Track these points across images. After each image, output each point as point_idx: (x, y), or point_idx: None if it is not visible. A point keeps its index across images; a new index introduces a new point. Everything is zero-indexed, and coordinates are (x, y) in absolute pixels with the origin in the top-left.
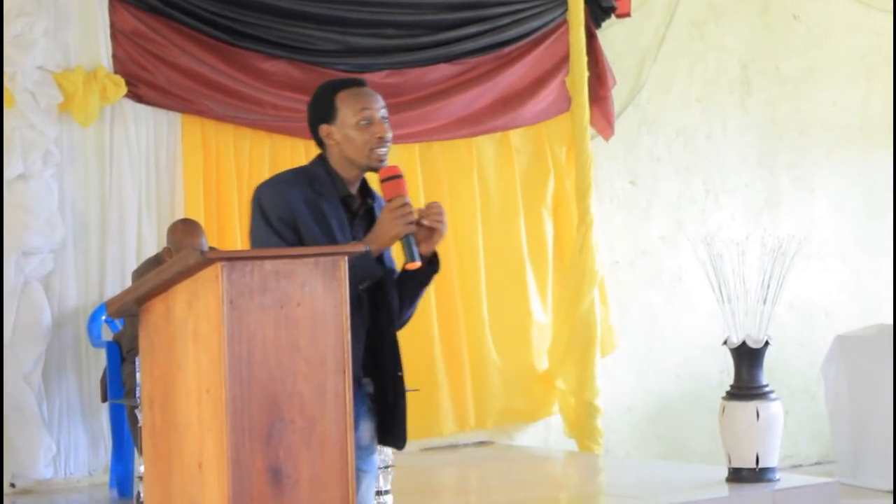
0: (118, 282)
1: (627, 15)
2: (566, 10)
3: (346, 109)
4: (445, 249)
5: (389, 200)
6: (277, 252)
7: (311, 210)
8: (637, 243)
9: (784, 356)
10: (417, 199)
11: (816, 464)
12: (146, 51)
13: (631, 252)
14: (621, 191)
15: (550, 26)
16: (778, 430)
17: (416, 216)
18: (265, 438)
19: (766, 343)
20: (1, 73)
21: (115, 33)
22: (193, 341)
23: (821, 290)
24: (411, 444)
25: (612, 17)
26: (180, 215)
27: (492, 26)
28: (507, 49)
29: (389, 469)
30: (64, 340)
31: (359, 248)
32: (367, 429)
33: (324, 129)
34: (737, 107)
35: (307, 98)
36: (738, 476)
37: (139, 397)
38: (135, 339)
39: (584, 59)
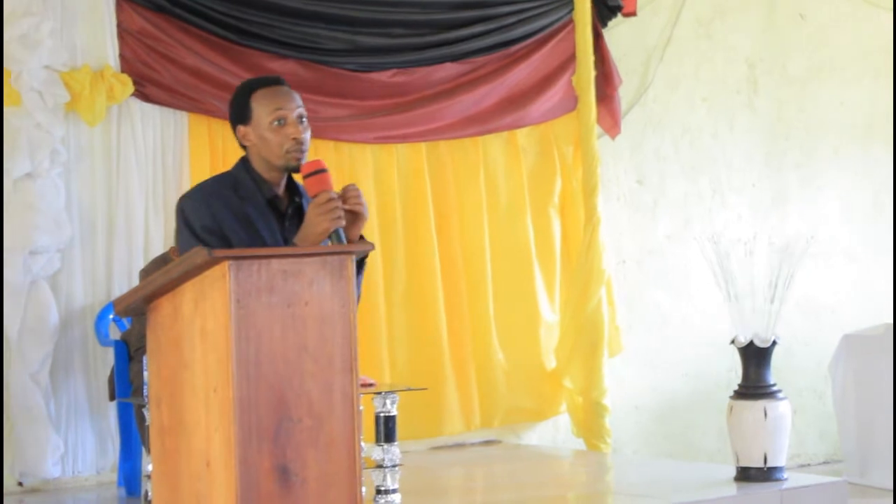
0: (125, 281)
1: (633, 14)
2: (572, 9)
3: (260, 110)
4: (452, 248)
5: (314, 196)
6: (285, 251)
7: (237, 216)
8: (644, 242)
9: (791, 355)
10: (425, 198)
11: (824, 463)
12: (153, 50)
13: (638, 251)
14: (628, 190)
15: (557, 25)
16: (786, 429)
17: (342, 209)
18: (273, 437)
19: (774, 342)
20: (1, 71)
21: (122, 32)
22: (201, 340)
23: (828, 289)
24: (419, 443)
25: (619, 16)
26: None
27: (498, 25)
28: (513, 48)
29: (397, 468)
30: (71, 339)
31: (367, 246)
32: None
33: (240, 130)
34: (743, 106)
35: (315, 97)
36: (746, 475)
37: (147, 396)
38: (142, 337)
39: (591, 58)
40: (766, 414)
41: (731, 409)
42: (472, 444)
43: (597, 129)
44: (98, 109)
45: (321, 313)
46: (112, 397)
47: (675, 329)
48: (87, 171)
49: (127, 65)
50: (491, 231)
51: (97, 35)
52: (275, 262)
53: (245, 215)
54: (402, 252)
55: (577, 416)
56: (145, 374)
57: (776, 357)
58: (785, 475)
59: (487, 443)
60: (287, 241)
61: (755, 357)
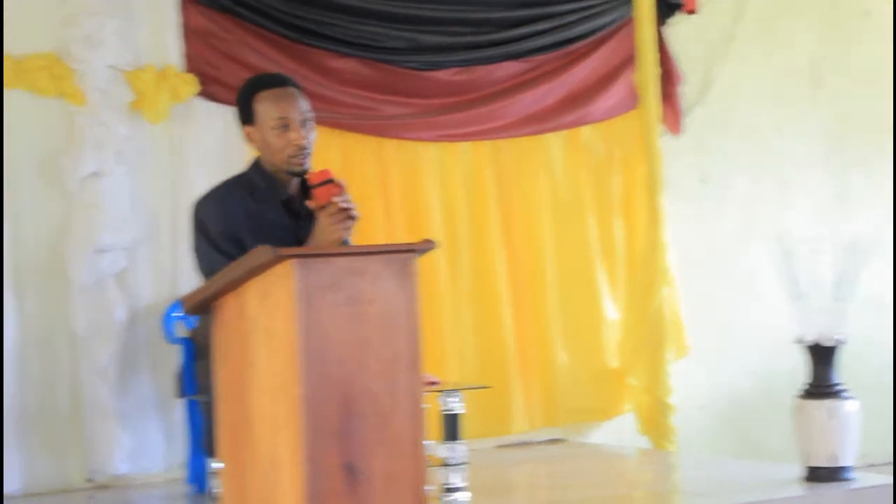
0: (191, 278)
1: (694, 11)
2: (633, 6)
3: (264, 112)
4: (515, 246)
5: (323, 207)
6: (349, 249)
7: (254, 220)
8: (708, 241)
9: (857, 354)
10: (488, 196)
11: (888, 463)
12: (216, 49)
13: (702, 250)
14: (691, 189)
15: (618, 23)
16: (854, 428)
17: (353, 217)
18: (339, 435)
19: (840, 341)
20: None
21: (186, 32)
22: (266, 338)
23: (893, 287)
24: (484, 441)
25: (680, 13)
26: None
27: (559, 23)
28: (573, 46)
29: (463, 466)
30: (138, 337)
31: (431, 245)
32: None
33: (246, 130)
34: (807, 103)
35: (377, 96)
36: (813, 475)
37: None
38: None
39: (652, 55)
40: (833, 413)
41: (797, 408)
42: (538, 443)
43: (659, 128)
44: (162, 109)
45: (385, 311)
46: (179, 395)
47: (740, 328)
48: (151, 169)
49: (190, 64)
50: (554, 229)
51: (161, 34)
52: (339, 261)
53: (261, 218)
54: (466, 250)
55: (642, 414)
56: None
57: (842, 356)
58: (853, 475)
59: (552, 441)
60: (303, 243)
61: (821, 356)
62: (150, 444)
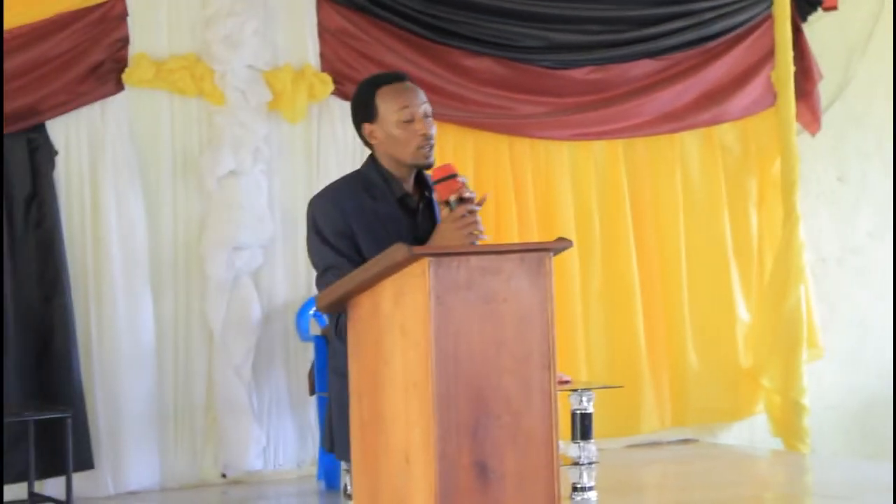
0: None
1: (834, 8)
2: (771, 4)
3: (386, 107)
4: (648, 246)
5: (445, 202)
6: (483, 248)
7: (369, 217)
8: (845, 240)
9: None
10: (621, 195)
11: None
12: (352, 49)
13: (838, 249)
14: (828, 187)
15: (755, 21)
16: None
17: (481, 226)
18: (471, 433)
19: None
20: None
21: (322, 32)
22: (401, 336)
23: None
24: (614, 440)
25: (819, 10)
26: None
27: (696, 21)
28: (711, 44)
29: (593, 465)
30: (273, 334)
31: (566, 244)
32: None
33: (366, 128)
34: None
35: (511, 94)
36: None
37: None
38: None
39: (790, 53)
40: None
41: None
42: (668, 443)
43: (796, 126)
44: (299, 108)
45: (519, 310)
46: (312, 392)
47: (875, 328)
48: (288, 168)
49: (327, 63)
50: (687, 228)
51: (298, 34)
52: (473, 259)
53: (377, 216)
54: (599, 249)
55: (774, 415)
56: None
57: None
58: None
59: (683, 441)
60: (420, 240)
61: None
62: (283, 441)
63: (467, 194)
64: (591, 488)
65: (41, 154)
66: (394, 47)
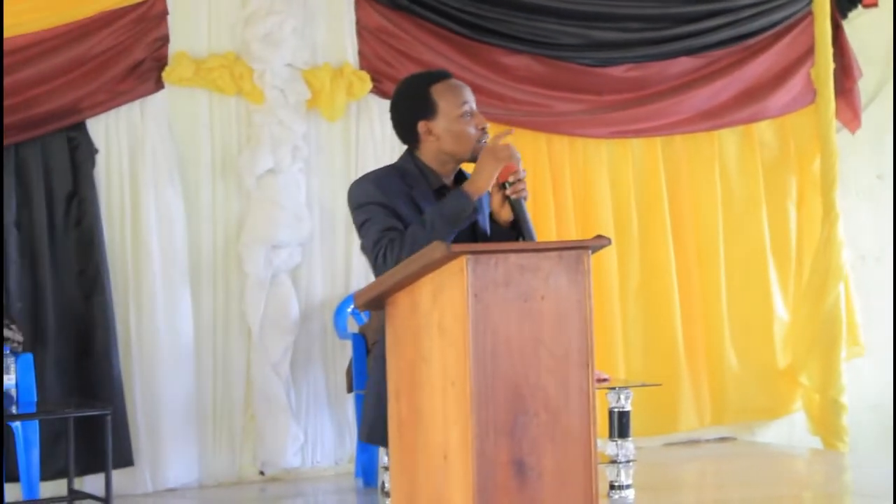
0: (363, 275)
1: (875, 5)
2: (811, 1)
3: (446, 103)
4: (686, 243)
5: (501, 185)
6: (521, 246)
7: (406, 201)
8: (884, 238)
9: None
10: (660, 193)
11: None
12: (390, 47)
13: (878, 247)
14: (868, 185)
15: (795, 18)
16: None
17: (519, 170)
18: (509, 431)
19: None
20: None
21: (361, 30)
22: (439, 334)
23: None
24: (652, 439)
25: (859, 7)
26: None
27: (735, 18)
28: (750, 41)
29: (631, 463)
30: (311, 332)
31: (604, 241)
32: None
33: (422, 125)
34: None
35: (549, 92)
36: None
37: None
38: (380, 331)
39: (830, 50)
40: None
41: None
42: (706, 441)
43: (836, 123)
44: (338, 106)
45: (557, 307)
46: (350, 389)
47: None
48: (326, 166)
49: (365, 62)
50: (725, 226)
51: (337, 33)
52: (512, 257)
53: (414, 201)
54: (637, 247)
55: (813, 414)
56: None
57: None
58: None
59: (722, 440)
60: (456, 236)
61: None
62: (321, 438)
63: (522, 175)
64: (628, 486)
65: (81, 152)
66: (432, 45)
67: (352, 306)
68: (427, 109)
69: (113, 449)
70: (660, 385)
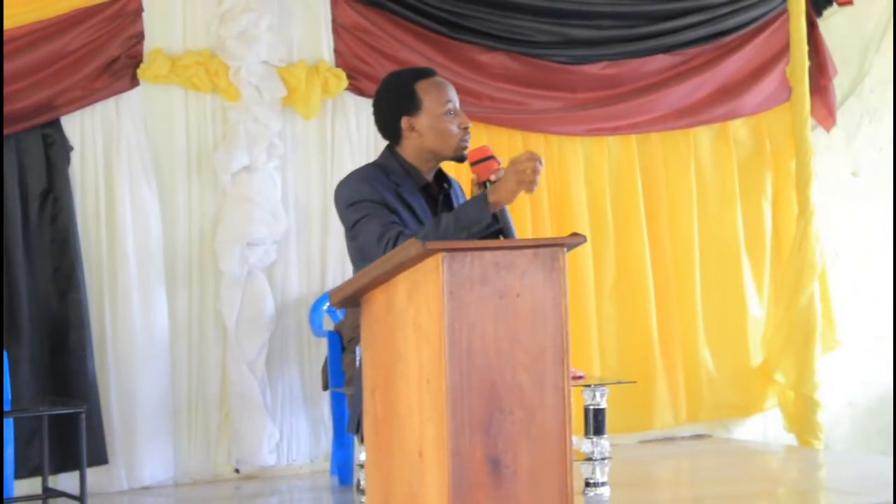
0: (339, 272)
1: (850, 3)
2: None
3: (430, 100)
4: (662, 240)
5: (482, 183)
6: (497, 243)
7: (396, 197)
8: (859, 235)
9: None
10: (635, 190)
11: None
12: (366, 44)
13: (853, 244)
14: (843, 182)
15: (770, 15)
16: None
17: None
18: (485, 428)
19: None
20: None
21: (337, 27)
22: (414, 331)
23: None
24: (627, 436)
25: (834, 5)
26: None
27: (711, 16)
28: (726, 39)
29: (606, 461)
30: (286, 330)
31: (579, 239)
32: None
33: (405, 121)
34: None
35: (525, 90)
36: None
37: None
38: (355, 328)
39: (805, 48)
40: None
41: None
42: (682, 438)
43: (811, 121)
44: (313, 103)
45: (533, 305)
46: (325, 387)
47: (889, 323)
48: (302, 164)
49: (341, 59)
50: (700, 223)
51: (313, 30)
52: (488, 255)
53: (402, 197)
54: (612, 244)
55: (788, 411)
56: (358, 364)
57: None
58: None
59: (697, 437)
60: None
61: None
62: (296, 436)
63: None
64: (604, 483)
65: (56, 149)
66: (408, 43)
67: (327, 304)
68: (411, 105)
69: (88, 447)
70: (635, 382)
